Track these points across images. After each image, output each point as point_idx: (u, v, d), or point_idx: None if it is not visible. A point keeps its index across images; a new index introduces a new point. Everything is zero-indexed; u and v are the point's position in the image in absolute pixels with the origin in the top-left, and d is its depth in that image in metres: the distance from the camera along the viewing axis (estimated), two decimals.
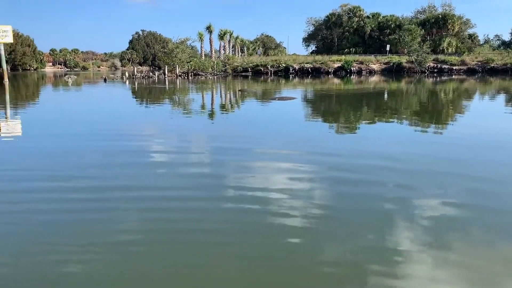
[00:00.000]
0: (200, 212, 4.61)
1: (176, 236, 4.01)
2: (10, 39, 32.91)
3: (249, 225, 4.29)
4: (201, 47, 61.40)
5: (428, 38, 61.57)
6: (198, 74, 48.65)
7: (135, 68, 54.30)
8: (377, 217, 4.51)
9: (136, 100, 21.61)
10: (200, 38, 59.32)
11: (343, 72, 49.84)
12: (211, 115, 13.93)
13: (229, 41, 68.14)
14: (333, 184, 5.71)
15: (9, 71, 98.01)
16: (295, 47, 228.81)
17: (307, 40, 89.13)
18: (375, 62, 51.97)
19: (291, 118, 12.88)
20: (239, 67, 52.63)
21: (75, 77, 52.03)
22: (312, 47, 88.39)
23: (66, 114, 14.88)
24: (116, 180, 5.79)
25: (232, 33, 68.39)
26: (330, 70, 50.33)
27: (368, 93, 23.66)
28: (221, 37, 63.94)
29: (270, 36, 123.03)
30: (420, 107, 16.26)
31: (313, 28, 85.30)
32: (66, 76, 52.60)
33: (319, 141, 8.80)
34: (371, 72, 50.07)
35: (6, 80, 32.42)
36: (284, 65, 51.55)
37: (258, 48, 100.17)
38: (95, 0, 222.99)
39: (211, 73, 49.67)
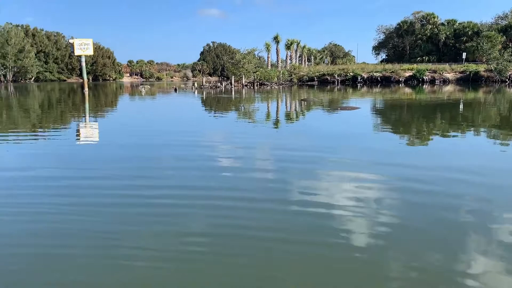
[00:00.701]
0: (265, 217, 4.53)
1: (241, 238, 3.98)
2: (90, 51, 35.41)
3: (314, 231, 4.15)
4: (268, 57, 61.98)
5: (510, 45, 57.26)
6: (264, 84, 49.11)
7: (204, 79, 56.05)
8: (450, 231, 4.13)
9: (203, 109, 22.17)
10: (267, 48, 59.92)
11: (414, 81, 47.76)
12: (274, 123, 13.83)
13: (296, 51, 68.16)
14: (403, 196, 5.33)
15: (91, 81, 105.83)
16: (365, 56, 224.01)
17: (377, 48, 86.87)
18: (449, 71, 49.25)
19: (356, 128, 12.43)
20: (305, 77, 52.40)
21: (149, 87, 54.76)
22: (382, 56, 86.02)
23: (139, 121, 15.58)
24: (185, 183, 5.89)
25: (299, 43, 68.37)
26: (400, 79, 48.46)
27: (442, 103, 22.34)
28: (288, 46, 64.13)
29: (338, 45, 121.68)
30: (500, 118, 14.99)
31: (384, 36, 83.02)
32: (141, 86, 55.53)
33: (388, 152, 8.31)
34: (445, 81, 47.48)
35: (86, 89, 34.87)
36: (351, 74, 50.49)
37: (326, 57, 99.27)
38: (171, 14, 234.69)
39: (276, 83, 49.91)
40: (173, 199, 5.13)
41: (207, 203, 4.95)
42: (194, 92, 38.59)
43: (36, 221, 4.37)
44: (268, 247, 3.76)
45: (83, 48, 34.10)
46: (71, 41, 36.05)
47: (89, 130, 12.57)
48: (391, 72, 49.64)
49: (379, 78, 49.36)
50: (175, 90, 42.14)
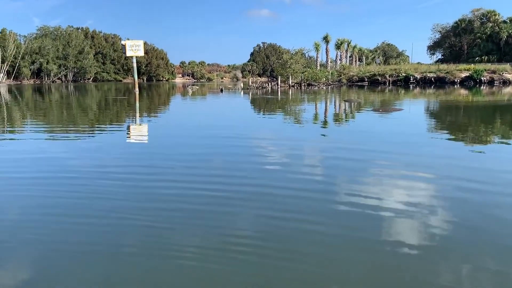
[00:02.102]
0: (313, 218, 4.44)
1: (286, 237, 3.97)
2: (141, 53, 36.62)
3: (364, 231, 4.06)
4: (317, 57, 61.28)
5: None
6: (311, 84, 48.56)
7: (250, 79, 56.37)
8: (503, 244, 3.83)
9: (246, 109, 22.27)
10: (316, 48, 59.28)
11: (471, 82, 45.30)
12: (313, 123, 13.58)
13: (346, 51, 66.95)
14: (459, 203, 4.98)
15: (145, 82, 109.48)
16: (420, 56, 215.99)
17: (432, 48, 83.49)
18: (510, 71, 46.23)
19: (401, 130, 11.92)
20: (355, 77, 51.28)
21: (197, 87, 55.89)
22: (438, 56, 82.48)
23: (185, 119, 15.91)
24: (232, 180, 5.95)
25: (349, 42, 67.09)
26: (456, 80, 46.12)
27: (502, 105, 20.97)
28: (338, 46, 63.10)
29: (391, 45, 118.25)
30: None
31: (440, 35, 79.56)
32: (189, 86, 56.80)
33: (442, 157, 7.81)
34: (505, 82, 44.64)
35: (136, 89, 36.12)
36: (403, 74, 48.76)
37: (378, 57, 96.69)
38: (221, 15, 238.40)
39: (324, 83, 49.21)
40: (220, 197, 5.18)
41: (255, 203, 4.94)
42: (240, 93, 38.89)
43: (80, 217, 4.51)
44: (316, 249, 3.69)
45: (135, 49, 35.31)
46: (123, 42, 37.49)
47: (138, 128, 12.95)
48: (445, 73, 47.40)
49: (432, 79, 47.29)
50: (221, 90, 42.71)
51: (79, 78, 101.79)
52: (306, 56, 63.34)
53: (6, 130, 12.55)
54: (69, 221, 4.36)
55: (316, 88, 45.66)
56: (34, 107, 23.69)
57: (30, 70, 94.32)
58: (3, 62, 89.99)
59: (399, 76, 48.78)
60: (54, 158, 7.95)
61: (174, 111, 21.51)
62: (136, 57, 36.92)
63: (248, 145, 9.56)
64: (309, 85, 48.65)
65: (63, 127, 13.25)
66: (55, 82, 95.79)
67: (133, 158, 7.97)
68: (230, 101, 28.64)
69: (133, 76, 37.84)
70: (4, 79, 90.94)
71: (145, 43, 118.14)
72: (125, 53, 36.70)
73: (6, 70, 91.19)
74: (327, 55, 61.64)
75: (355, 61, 73.35)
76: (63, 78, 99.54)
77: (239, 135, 10.88)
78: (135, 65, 37.81)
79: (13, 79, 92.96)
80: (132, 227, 4.21)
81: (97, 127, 13.20)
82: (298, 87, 47.06)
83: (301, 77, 48.93)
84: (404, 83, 47.79)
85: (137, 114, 17.96)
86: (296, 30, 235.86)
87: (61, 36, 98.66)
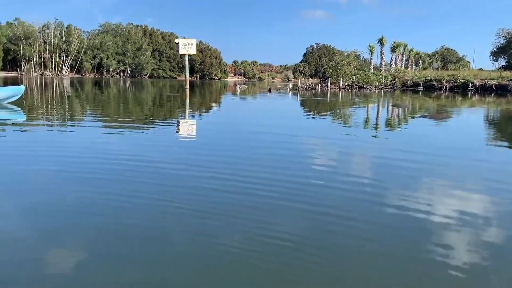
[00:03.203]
0: (357, 225, 4.34)
1: (329, 242, 3.92)
2: (193, 51, 37.50)
3: (412, 243, 3.93)
4: (370, 59, 59.98)
5: None
6: (363, 87, 47.59)
7: (299, 80, 56.09)
8: None
9: (293, 109, 22.27)
10: (370, 50, 58.03)
11: None
12: (355, 127, 13.37)
13: (402, 54, 64.97)
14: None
15: (198, 79, 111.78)
16: (482, 62, 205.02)
17: (496, 54, 78.96)
18: None
19: (454, 138, 11.49)
20: (409, 81, 49.67)
21: (246, 86, 56.37)
22: (502, 62, 77.89)
23: (231, 117, 16.23)
24: (276, 181, 5.90)
25: (406, 46, 65.07)
26: None
27: None
28: (393, 49, 61.37)
29: (451, 49, 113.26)
30: None
31: (505, 40, 75.16)
32: (238, 86, 57.45)
33: (499, 167, 7.50)
34: None
35: (187, 87, 37.05)
36: (462, 80, 46.57)
37: (436, 62, 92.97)
38: (275, 15, 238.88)
39: (376, 87, 48.06)
40: (264, 193, 5.22)
41: (299, 201, 4.94)
42: (288, 93, 38.86)
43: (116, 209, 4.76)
44: (363, 257, 3.63)
45: (187, 47, 36.25)
46: (176, 41, 38.56)
47: (186, 124, 13.36)
48: (508, 80, 44.71)
49: (493, 86, 44.77)
50: (269, 90, 42.86)
51: (136, 74, 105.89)
52: (361, 58, 62.10)
53: (67, 120, 13.40)
54: (120, 200, 4.65)
55: (367, 91, 44.68)
56: (93, 99, 25.01)
57: (91, 64, 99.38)
58: (67, 56, 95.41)
59: (456, 82, 46.65)
60: (109, 147, 8.41)
61: (220, 108, 21.93)
62: (191, 55, 37.87)
63: (292, 145, 9.60)
64: (360, 88, 47.72)
65: (119, 120, 13.94)
66: (114, 76, 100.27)
67: (181, 152, 8.27)
68: (276, 101, 28.72)
69: (181, 73, 38.86)
70: (67, 72, 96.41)
71: (200, 42, 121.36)
72: (178, 51, 37.74)
73: (69, 63, 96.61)
74: (381, 58, 60.14)
75: (411, 65, 70.99)
76: (121, 73, 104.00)
77: (284, 135, 10.95)
78: (187, 63, 38.78)
79: (75, 72, 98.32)
80: (176, 214, 4.41)
81: (150, 121, 13.75)
82: (349, 90, 46.29)
83: (352, 79, 48.10)
84: (462, 89, 45.64)
85: (187, 111, 18.48)
86: (351, 32, 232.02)
87: (121, 33, 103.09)
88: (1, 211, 4.46)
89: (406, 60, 68.64)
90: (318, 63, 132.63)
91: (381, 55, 59.81)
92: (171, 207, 4.64)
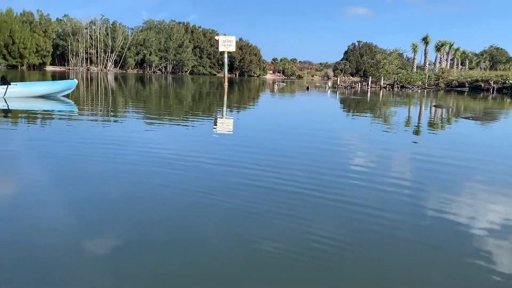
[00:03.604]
0: (398, 226, 4.26)
1: (369, 241, 3.89)
2: (233, 48, 37.85)
3: (454, 249, 3.81)
4: (414, 58, 58.36)
5: None
6: (405, 87, 46.38)
7: (339, 78, 55.38)
8: None
9: (330, 108, 22.07)
10: (414, 49, 56.46)
11: None
12: (399, 128, 13.09)
13: (447, 53, 62.80)
14: None
15: (237, 77, 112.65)
16: None
17: None
18: None
19: (500, 142, 11.06)
20: (454, 81, 47.95)
21: (284, 84, 56.23)
22: None
23: (267, 114, 16.31)
24: (314, 181, 5.81)
25: (452, 44, 62.81)
26: None
27: None
28: (438, 48, 59.41)
29: (501, 49, 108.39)
30: None
31: None
32: (276, 83, 57.42)
33: None
34: None
35: (226, 84, 37.47)
36: (511, 81, 44.47)
37: (483, 62, 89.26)
38: (316, 13, 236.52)
39: (419, 86, 46.72)
40: (301, 190, 5.22)
41: (336, 201, 4.89)
42: (326, 91, 38.48)
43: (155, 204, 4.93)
44: (392, 254, 3.62)
45: (227, 44, 36.66)
46: (216, 38, 39.04)
47: (223, 120, 13.56)
48: None
49: None
50: (307, 88, 42.59)
51: (177, 70, 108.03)
52: (404, 57, 60.56)
53: (113, 113, 13.92)
54: (161, 191, 4.83)
55: (410, 91, 43.55)
56: (136, 94, 25.78)
57: (135, 60, 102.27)
58: (112, 52, 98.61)
59: (505, 83, 44.58)
60: (150, 140, 8.69)
61: (257, 105, 22.04)
62: (231, 52, 38.32)
63: (330, 143, 9.54)
64: (402, 87, 46.55)
65: (160, 114, 14.33)
66: (156, 72, 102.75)
67: (218, 147, 8.42)
68: (314, 99, 28.53)
69: (221, 70, 39.48)
70: (111, 67, 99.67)
71: (240, 39, 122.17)
72: (217, 48, 38.20)
73: (114, 59, 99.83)
74: (425, 57, 58.41)
75: (457, 64, 68.51)
76: (163, 70, 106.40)
77: (321, 133, 10.91)
78: (226, 60, 39.20)
79: (119, 67, 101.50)
80: (212, 206, 4.52)
81: (189, 116, 14.04)
82: (390, 89, 45.28)
83: (394, 78, 47.00)
84: (511, 91, 43.60)
85: (224, 107, 18.72)
86: (394, 29, 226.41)
87: (164, 30, 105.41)
88: (48, 196, 4.73)
89: (451, 60, 66.30)
90: (359, 61, 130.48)
91: (425, 54, 58.14)
92: (208, 199, 4.75)
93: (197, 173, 5.98)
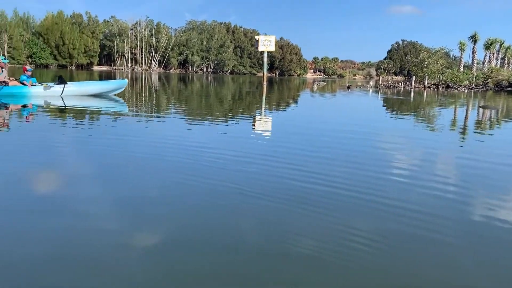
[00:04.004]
0: (440, 228, 4.17)
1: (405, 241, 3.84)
2: (272, 48, 37.96)
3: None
4: (461, 57, 56.24)
5: None
6: (450, 87, 44.78)
7: (381, 77, 54.22)
8: None
9: (370, 108, 21.72)
10: (461, 48, 54.45)
11: None
12: (443, 129, 12.73)
13: (497, 52, 60.13)
14: None
15: (277, 76, 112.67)
16: None
17: None
18: None
19: None
20: (505, 81, 45.81)
21: (324, 83, 55.71)
22: None
23: (306, 115, 16.31)
24: (352, 181, 5.76)
25: (503, 43, 60.10)
26: None
27: None
28: (487, 47, 57.04)
29: None
30: None
31: None
32: (316, 82, 56.98)
33: None
34: None
35: (264, 83, 37.61)
36: None
37: None
38: (359, 11, 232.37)
39: (465, 86, 44.96)
40: (340, 191, 5.19)
41: (379, 205, 4.76)
42: (368, 91, 37.81)
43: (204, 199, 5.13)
44: (434, 258, 3.56)
45: (267, 44, 36.84)
46: (256, 37, 39.29)
47: (261, 119, 13.69)
48: None
49: None
50: (348, 88, 42.00)
51: (218, 70, 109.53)
52: (451, 56, 58.44)
53: (158, 111, 14.42)
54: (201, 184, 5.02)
55: (455, 91, 42.04)
56: (178, 94, 26.43)
57: (177, 60, 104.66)
58: (155, 52, 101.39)
59: None
60: (191, 138, 8.96)
61: (296, 105, 22.01)
62: (271, 52, 38.51)
63: (370, 143, 9.44)
64: (448, 87, 45.00)
65: (201, 113, 14.68)
66: (197, 72, 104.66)
67: (257, 145, 8.55)
68: (354, 99, 28.15)
69: (261, 70, 39.69)
70: (155, 67, 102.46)
71: (280, 39, 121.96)
72: (257, 47, 38.40)
73: (157, 59, 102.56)
74: (473, 55, 56.26)
75: (507, 64, 65.36)
76: (204, 69, 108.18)
77: (361, 133, 10.81)
78: (265, 59, 39.40)
79: (162, 67, 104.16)
80: (251, 204, 4.64)
81: (229, 115, 14.28)
82: (435, 89, 43.89)
83: (439, 78, 45.49)
84: None
85: (263, 106, 18.87)
86: (441, 27, 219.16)
87: (205, 30, 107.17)
88: (92, 190, 5.03)
89: (501, 59, 63.35)
90: (403, 60, 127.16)
91: (473, 52, 56.02)
92: (246, 197, 4.86)
93: (236, 171, 6.12)
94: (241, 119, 13.54)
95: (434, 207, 4.81)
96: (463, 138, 11.05)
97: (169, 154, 7.04)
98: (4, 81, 15.73)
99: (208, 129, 10.83)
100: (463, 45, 55.19)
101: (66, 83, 16.97)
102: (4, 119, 11.21)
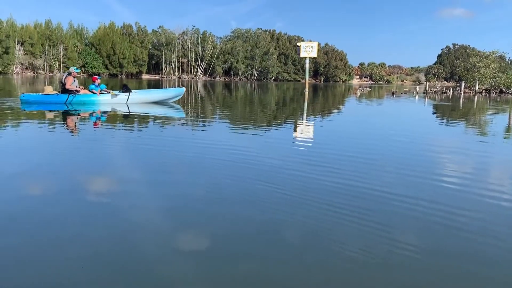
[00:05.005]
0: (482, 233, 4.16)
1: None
2: (314, 54, 37.87)
3: None
4: None
5: None
6: (504, 92, 42.72)
7: (428, 83, 52.56)
8: None
9: (418, 115, 21.25)
10: None
11: None
12: (499, 138, 12.32)
13: None
14: None
15: (322, 82, 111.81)
16: None
17: None
18: None
19: None
20: None
21: (369, 89, 54.74)
22: None
23: (349, 121, 16.27)
24: (400, 188, 5.74)
25: None
26: None
27: None
28: None
29: None
30: None
31: None
32: (360, 88, 56.15)
33: None
34: None
35: (307, 89, 37.59)
36: None
37: None
38: (407, 15, 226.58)
39: None
40: (384, 199, 5.18)
41: (427, 216, 4.63)
42: (414, 97, 36.85)
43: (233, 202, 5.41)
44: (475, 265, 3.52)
45: (309, 50, 36.84)
46: (298, 44, 39.38)
47: (303, 126, 13.84)
48: None
49: None
50: (393, 93, 41.08)
51: (262, 77, 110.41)
52: (507, 60, 55.67)
53: (199, 119, 14.96)
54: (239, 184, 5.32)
55: (510, 96, 40.10)
56: (223, 100, 27.09)
57: (222, 68, 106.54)
58: (201, 61, 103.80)
59: None
60: (233, 146, 9.30)
61: (339, 112, 21.90)
62: (315, 58, 38.51)
63: (415, 151, 9.36)
64: (501, 92, 42.98)
65: (244, 119, 15.08)
66: (242, 80, 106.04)
67: (299, 152, 8.75)
68: (399, 106, 27.58)
69: (304, 76, 39.63)
70: (201, 75, 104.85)
71: (325, 45, 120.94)
72: (299, 54, 38.47)
73: (203, 67, 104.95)
74: None
75: None
76: (248, 77, 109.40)
77: (406, 141, 10.72)
78: (307, 66, 39.42)
79: (208, 75, 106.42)
80: (292, 208, 4.78)
81: (272, 122, 14.55)
82: (487, 94, 42.08)
83: (491, 83, 43.55)
84: None
85: (305, 113, 18.98)
86: (495, 30, 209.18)
87: (250, 38, 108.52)
88: (142, 189, 5.44)
89: None
90: (454, 65, 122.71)
91: None
92: (289, 199, 5.05)
93: (279, 174, 6.32)
94: (283, 125, 13.77)
95: (486, 218, 4.60)
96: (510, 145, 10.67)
97: (223, 158, 7.44)
98: (76, 90, 17.03)
99: (251, 135, 11.14)
100: None
101: (131, 91, 18.26)
102: (75, 124, 12.51)
